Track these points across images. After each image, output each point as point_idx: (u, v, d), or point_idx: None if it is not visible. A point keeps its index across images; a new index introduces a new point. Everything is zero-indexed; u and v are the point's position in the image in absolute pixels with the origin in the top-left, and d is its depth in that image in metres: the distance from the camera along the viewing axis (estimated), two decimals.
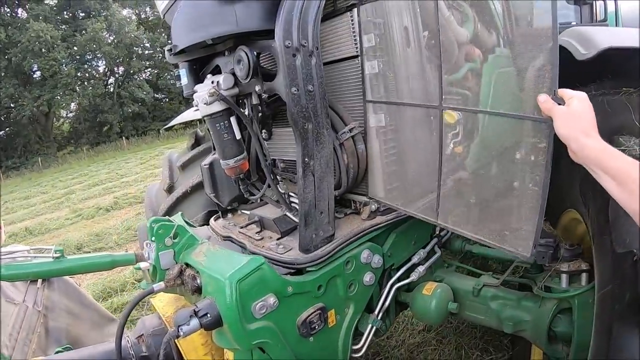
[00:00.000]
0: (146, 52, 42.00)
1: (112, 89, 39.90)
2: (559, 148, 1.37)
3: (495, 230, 1.58)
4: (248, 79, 1.77)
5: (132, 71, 40.49)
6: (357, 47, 1.91)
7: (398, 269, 2.24)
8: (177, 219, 2.16)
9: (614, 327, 1.35)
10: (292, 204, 2.20)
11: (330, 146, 1.82)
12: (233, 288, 1.57)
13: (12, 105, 34.55)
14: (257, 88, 1.83)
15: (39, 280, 2.50)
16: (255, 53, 1.76)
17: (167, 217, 2.09)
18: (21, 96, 33.26)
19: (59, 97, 34.93)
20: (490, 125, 1.60)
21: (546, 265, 1.99)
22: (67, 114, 42.24)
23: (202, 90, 1.91)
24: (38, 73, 35.10)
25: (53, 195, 15.79)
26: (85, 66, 38.40)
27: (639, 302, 1.29)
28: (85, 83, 37.77)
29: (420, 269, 2.26)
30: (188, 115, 3.87)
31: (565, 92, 1.23)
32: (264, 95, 1.92)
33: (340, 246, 1.90)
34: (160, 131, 35.73)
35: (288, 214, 2.16)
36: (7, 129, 36.17)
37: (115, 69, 40.59)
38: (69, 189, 16.34)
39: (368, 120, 1.97)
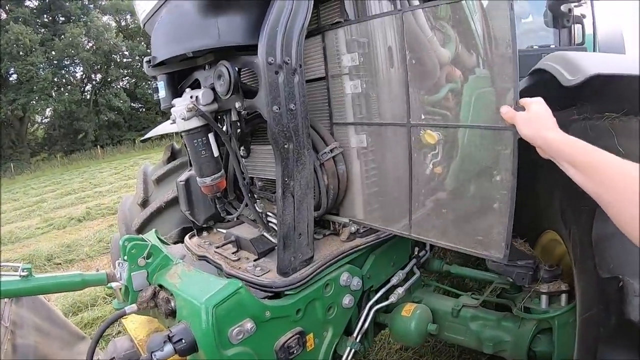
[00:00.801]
0: (125, 60, 41.41)
1: (88, 96, 39.21)
2: (535, 171, 1.37)
3: (469, 238, 1.64)
4: (228, 95, 1.71)
5: (109, 79, 39.87)
6: (340, 66, 1.90)
7: (377, 291, 2.21)
8: (151, 237, 2.10)
9: (599, 350, 1.35)
10: (270, 224, 2.15)
11: (310, 167, 1.78)
12: (209, 313, 1.51)
13: None
14: (237, 105, 1.77)
15: None
16: (236, 69, 1.72)
17: (140, 235, 2.01)
18: None
19: (34, 102, 34.09)
20: (460, 138, 1.71)
21: (526, 286, 1.99)
22: (42, 120, 41.35)
23: (180, 105, 1.85)
24: (14, 76, 34.32)
25: (24, 202, 15.31)
26: (63, 71, 37.59)
27: (625, 325, 1.28)
28: (62, 89, 36.95)
29: (400, 290, 2.24)
30: (165, 127, 3.78)
31: (523, 100, 1.37)
32: (244, 112, 1.88)
33: (320, 269, 1.86)
34: (136, 141, 35.17)
35: (265, 234, 2.11)
36: None
37: (93, 75, 39.90)
38: (40, 197, 15.87)
39: (350, 141, 1.95)
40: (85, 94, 39.58)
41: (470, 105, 3.02)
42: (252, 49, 1.65)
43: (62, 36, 34.72)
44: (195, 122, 1.85)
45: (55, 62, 36.04)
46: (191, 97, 1.85)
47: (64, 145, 37.48)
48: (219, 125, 1.93)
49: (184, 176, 2.30)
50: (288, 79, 1.62)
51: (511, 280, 2.09)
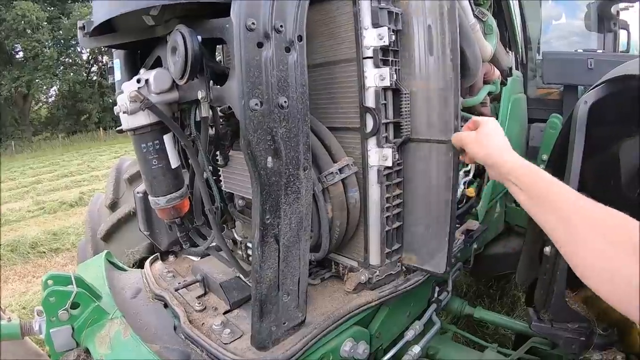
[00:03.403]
0: None
1: (94, 78, 38.87)
2: None
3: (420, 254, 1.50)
4: (184, 78, 1.10)
5: None
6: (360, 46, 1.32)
7: (386, 350, 1.64)
8: (94, 266, 1.55)
9: None
10: (250, 258, 1.56)
11: (308, 195, 1.16)
12: None
13: None
14: (200, 94, 1.15)
15: None
16: (199, 38, 1.09)
17: (70, 272, 1.42)
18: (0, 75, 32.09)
19: (38, 80, 33.81)
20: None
21: (575, 354, 1.69)
22: (46, 99, 41.02)
23: (126, 92, 1.26)
24: (20, 54, 34.00)
25: (20, 182, 15.00)
26: (69, 51, 37.32)
27: None
28: (67, 69, 36.66)
29: (415, 350, 1.67)
30: None
31: (475, 119, 1.31)
32: (221, 105, 1.29)
33: (314, 339, 1.26)
34: None
35: (243, 277, 1.52)
36: None
37: (99, 57, 39.47)
38: (37, 178, 15.60)
39: (368, 156, 1.35)
40: (91, 75, 39.32)
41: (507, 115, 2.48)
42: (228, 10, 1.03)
43: (70, 15, 34.25)
44: (143, 118, 1.25)
45: (62, 41, 35.66)
46: (138, 80, 1.25)
47: (67, 125, 37.23)
48: (176, 124, 1.32)
49: (143, 186, 1.72)
50: (279, 57, 1.01)
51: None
